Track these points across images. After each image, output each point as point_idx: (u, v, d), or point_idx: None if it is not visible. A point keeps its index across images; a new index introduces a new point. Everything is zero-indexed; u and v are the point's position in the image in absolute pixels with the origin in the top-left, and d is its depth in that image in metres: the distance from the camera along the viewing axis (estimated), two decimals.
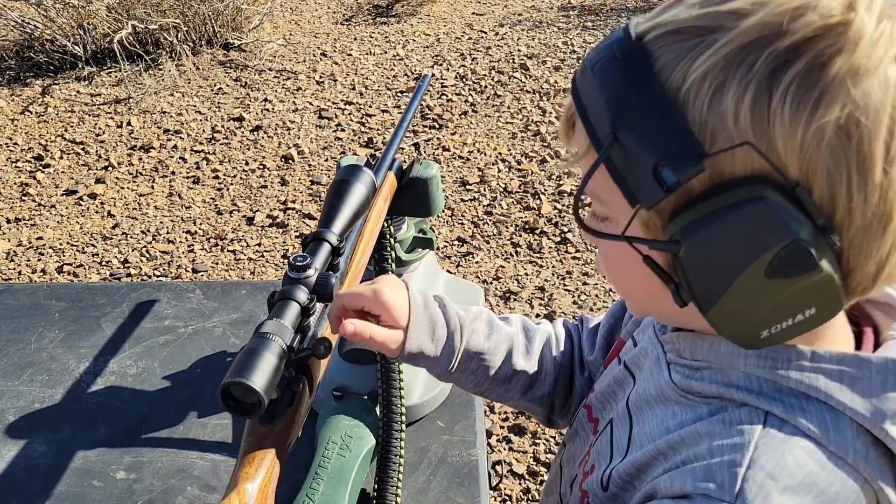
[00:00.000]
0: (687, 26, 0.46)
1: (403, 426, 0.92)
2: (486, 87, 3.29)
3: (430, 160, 1.03)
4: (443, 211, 2.56)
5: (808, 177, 0.44)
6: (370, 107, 3.19)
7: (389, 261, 0.99)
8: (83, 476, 0.97)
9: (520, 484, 1.71)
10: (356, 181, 0.84)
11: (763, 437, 0.48)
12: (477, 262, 2.38)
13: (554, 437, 1.84)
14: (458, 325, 0.74)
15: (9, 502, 0.95)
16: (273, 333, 0.67)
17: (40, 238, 2.53)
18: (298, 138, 3.00)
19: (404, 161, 1.00)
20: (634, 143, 0.47)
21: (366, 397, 0.99)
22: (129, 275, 2.39)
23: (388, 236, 0.98)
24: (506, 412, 1.90)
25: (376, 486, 0.89)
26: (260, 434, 0.70)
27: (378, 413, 0.94)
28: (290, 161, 2.87)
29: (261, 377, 0.63)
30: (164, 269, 2.41)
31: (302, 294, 0.72)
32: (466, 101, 3.20)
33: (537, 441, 1.83)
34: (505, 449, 1.81)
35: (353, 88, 3.31)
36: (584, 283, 2.24)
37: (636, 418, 0.59)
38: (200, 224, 2.59)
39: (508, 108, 3.15)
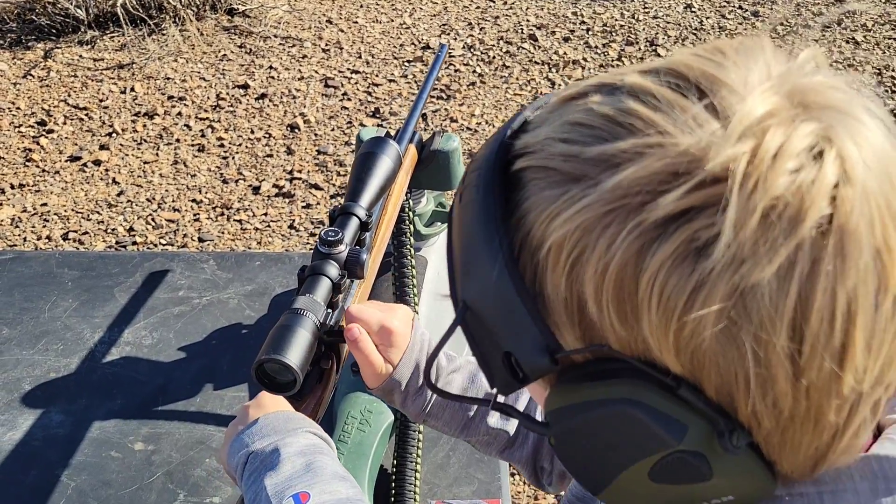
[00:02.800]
0: (552, 165, 0.38)
1: None
2: (494, 57, 3.25)
3: (451, 133, 1.01)
4: None
5: (696, 374, 0.36)
6: (377, 76, 3.15)
7: (408, 235, 0.98)
8: (101, 446, 0.97)
9: None
10: (382, 154, 0.83)
11: None
12: None
13: None
14: (447, 366, 0.71)
15: (27, 471, 0.95)
16: (306, 309, 0.66)
17: (45, 204, 2.52)
18: (304, 107, 2.97)
19: (423, 134, 0.99)
20: (485, 317, 0.39)
21: None
22: (134, 243, 2.38)
23: (407, 210, 0.97)
24: None
25: (395, 461, 0.89)
26: None
27: None
28: (296, 130, 2.84)
29: (296, 354, 0.63)
30: (169, 238, 2.40)
31: (333, 269, 0.71)
32: (474, 71, 3.17)
33: None
34: None
35: (360, 57, 3.27)
36: None
37: None
38: (206, 193, 2.57)
39: (517, 79, 3.11)
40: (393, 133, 0.93)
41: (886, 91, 2.93)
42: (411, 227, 0.96)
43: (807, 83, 0.36)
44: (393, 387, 0.69)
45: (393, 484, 0.88)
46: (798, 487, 0.40)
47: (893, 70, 3.05)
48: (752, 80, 0.35)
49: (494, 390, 0.42)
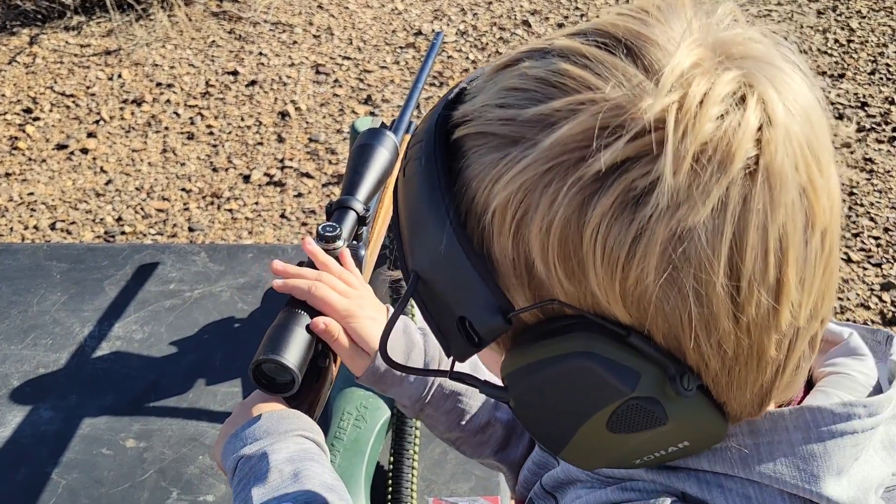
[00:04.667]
0: (490, 130, 0.38)
1: None
2: (487, 43, 3.22)
3: None
4: None
5: (644, 322, 0.37)
6: (368, 62, 3.12)
7: None
8: (92, 443, 0.95)
9: None
10: (379, 146, 0.81)
11: None
12: None
13: None
14: (438, 356, 0.68)
15: (17, 469, 0.93)
16: (303, 308, 0.65)
17: (31, 194, 2.48)
18: (295, 94, 2.93)
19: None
20: (437, 286, 0.40)
21: None
22: (123, 233, 2.35)
23: None
24: None
25: (392, 458, 0.88)
26: None
27: None
28: (287, 118, 2.81)
29: (294, 354, 0.61)
30: (159, 228, 2.37)
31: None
32: (467, 58, 3.14)
33: None
34: None
35: (351, 43, 3.24)
36: None
37: (559, 496, 0.53)
38: (196, 181, 2.54)
39: None
40: (388, 124, 0.91)
41: (882, 77, 2.93)
42: None
43: (727, 36, 0.37)
44: (376, 373, 0.66)
45: (390, 481, 0.87)
46: (736, 440, 0.42)
47: (888, 56, 3.04)
48: (675, 36, 0.37)
49: (451, 359, 0.43)
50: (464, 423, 0.69)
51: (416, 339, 0.68)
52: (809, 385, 0.46)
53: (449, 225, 0.39)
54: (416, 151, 0.41)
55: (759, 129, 0.35)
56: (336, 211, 0.73)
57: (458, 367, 0.45)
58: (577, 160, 0.35)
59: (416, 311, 0.91)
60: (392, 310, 0.69)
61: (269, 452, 0.59)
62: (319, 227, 0.69)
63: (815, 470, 0.41)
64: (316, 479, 0.58)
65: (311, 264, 0.69)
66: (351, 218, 0.73)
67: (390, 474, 0.88)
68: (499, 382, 0.44)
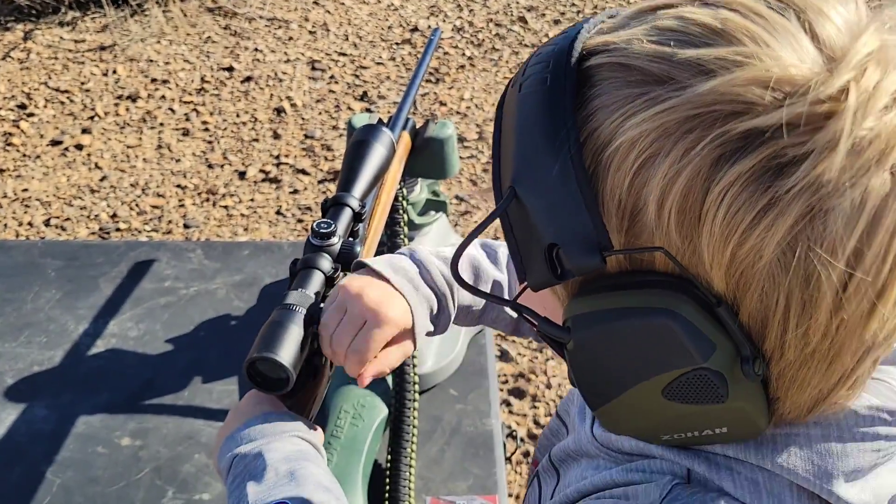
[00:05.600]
0: (636, 64, 0.37)
1: (416, 395, 0.90)
2: (483, 40, 3.21)
3: (445, 120, 0.99)
4: None
5: (738, 295, 0.36)
6: (364, 58, 3.10)
7: (402, 224, 0.96)
8: (87, 442, 0.95)
9: (519, 447, 1.71)
10: (375, 142, 0.81)
11: (680, 494, 0.40)
12: (475, 221, 2.34)
13: (554, 401, 1.84)
14: (446, 289, 0.67)
15: (11, 468, 0.92)
16: (298, 304, 0.64)
17: (26, 190, 2.47)
18: (291, 90, 2.92)
19: (419, 121, 0.96)
20: (533, 209, 0.39)
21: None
22: (118, 229, 2.34)
23: (401, 199, 0.94)
24: (505, 375, 1.89)
25: (390, 456, 0.88)
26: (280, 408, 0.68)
27: (390, 381, 0.92)
28: (283, 114, 2.80)
29: (288, 352, 0.61)
30: (154, 224, 2.36)
31: (326, 262, 0.69)
32: (463, 54, 3.13)
33: (537, 404, 1.83)
34: (504, 412, 1.81)
35: (347, 39, 3.23)
36: None
37: (562, 471, 0.53)
38: (191, 178, 2.52)
39: (507, 62, 3.08)
40: (385, 120, 0.91)
41: None
42: (405, 216, 0.94)
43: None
44: (422, 328, 0.65)
45: (387, 479, 0.87)
46: None
47: None
48: (849, 17, 0.36)
49: (521, 286, 0.41)
50: (479, 317, 0.70)
51: (426, 293, 0.66)
52: None
53: (567, 149, 0.37)
54: (540, 70, 0.39)
55: None
56: (331, 208, 0.73)
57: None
58: (729, 114, 0.34)
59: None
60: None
61: (265, 451, 0.58)
62: (314, 224, 0.69)
63: (830, 468, 0.40)
64: (312, 479, 0.57)
65: (304, 263, 0.68)
66: (346, 215, 0.73)
67: (388, 473, 0.88)
68: None
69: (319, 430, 0.66)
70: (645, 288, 0.38)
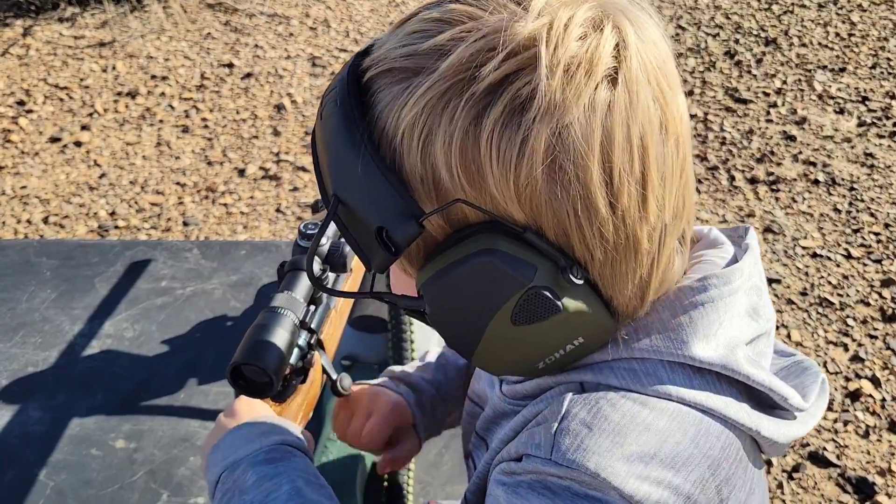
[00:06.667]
0: (395, 66, 0.44)
1: None
2: None
3: None
4: None
5: (537, 219, 0.43)
6: None
7: None
8: (81, 444, 0.93)
9: None
10: None
11: (578, 398, 0.47)
12: None
13: None
14: (433, 400, 0.76)
15: (4, 470, 0.91)
16: (284, 308, 0.63)
17: (24, 187, 2.46)
18: (291, 87, 2.91)
19: None
20: (355, 205, 0.45)
21: (376, 367, 0.95)
22: (117, 227, 2.33)
23: None
24: None
25: None
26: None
27: None
28: (283, 111, 2.78)
29: (272, 356, 0.60)
30: (153, 222, 2.35)
31: (314, 265, 0.67)
32: None
33: None
34: None
35: (348, 35, 3.21)
36: None
37: (489, 438, 0.58)
38: (190, 175, 2.51)
39: None
40: None
41: (882, 72, 2.91)
42: None
43: None
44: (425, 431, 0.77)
45: (385, 483, 0.86)
46: (619, 332, 0.48)
47: (889, 50, 3.02)
48: None
49: (371, 273, 0.48)
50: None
51: (429, 409, 0.76)
52: None
53: (364, 147, 0.43)
54: (332, 96, 0.46)
55: (616, 47, 0.42)
56: (322, 208, 0.72)
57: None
58: (470, 78, 0.41)
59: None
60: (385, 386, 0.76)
61: (251, 463, 0.57)
62: (301, 226, 0.68)
63: (684, 337, 0.47)
64: (299, 482, 0.56)
65: (291, 265, 0.67)
66: None
67: (386, 477, 0.86)
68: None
69: (308, 434, 0.64)
70: (466, 239, 0.44)
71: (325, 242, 0.69)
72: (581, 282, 0.43)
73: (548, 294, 0.43)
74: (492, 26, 0.42)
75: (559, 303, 0.43)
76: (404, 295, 0.48)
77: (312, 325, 0.66)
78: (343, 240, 0.71)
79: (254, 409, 0.63)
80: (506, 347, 0.46)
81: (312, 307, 0.68)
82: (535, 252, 0.43)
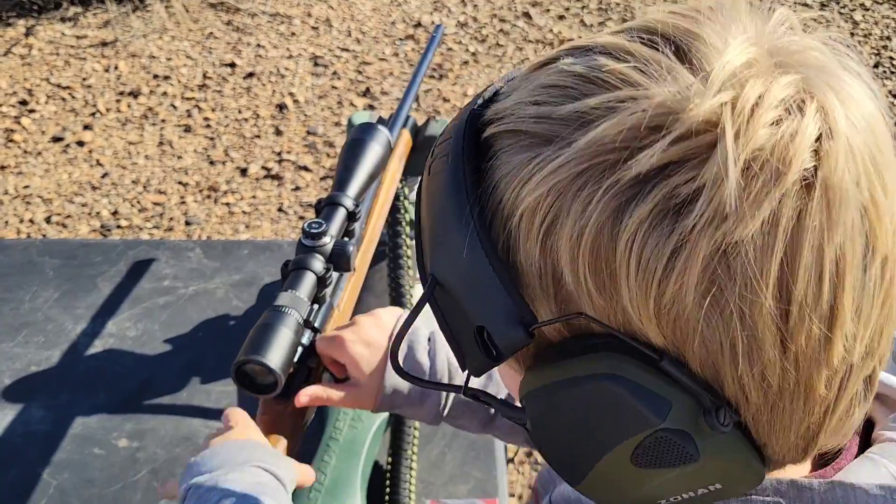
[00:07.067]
0: (523, 128, 0.36)
1: None
2: (487, 35, 3.19)
3: (446, 119, 0.98)
4: None
5: (679, 346, 0.34)
6: (367, 55, 3.09)
7: (403, 224, 0.95)
8: (84, 443, 0.94)
9: (521, 447, 1.70)
10: (371, 141, 0.79)
11: None
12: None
13: None
14: (447, 370, 0.67)
15: (7, 469, 0.91)
16: (288, 306, 0.63)
17: (27, 187, 2.46)
18: (293, 86, 2.91)
19: (422, 118, 0.95)
20: (455, 293, 0.37)
21: None
22: (119, 226, 2.33)
23: (401, 198, 0.93)
24: None
25: (390, 459, 0.87)
26: (275, 412, 0.67)
27: None
28: (285, 110, 2.79)
29: (277, 355, 0.60)
30: (156, 221, 2.35)
31: (318, 263, 0.68)
32: (467, 50, 3.11)
33: None
34: None
35: (350, 35, 3.21)
36: None
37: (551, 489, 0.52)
38: (192, 175, 2.52)
39: (511, 58, 3.06)
40: (386, 118, 0.89)
41: (885, 71, 2.90)
42: (406, 215, 0.93)
43: (785, 42, 0.35)
44: (393, 400, 0.66)
45: (387, 482, 0.86)
46: (756, 497, 0.38)
47: (892, 49, 3.02)
48: (728, 36, 0.34)
49: (465, 373, 0.39)
50: (490, 425, 0.69)
51: (420, 364, 0.67)
52: (867, 439, 0.43)
53: (472, 227, 0.36)
54: (444, 149, 0.39)
55: (819, 138, 0.32)
56: (325, 207, 0.72)
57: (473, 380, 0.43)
58: (615, 162, 0.32)
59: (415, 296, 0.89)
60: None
61: (220, 483, 0.56)
62: (305, 225, 0.68)
63: None
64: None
65: (295, 264, 0.67)
66: (340, 214, 0.72)
67: (388, 476, 0.86)
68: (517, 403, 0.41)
69: (291, 462, 0.64)
70: (587, 353, 0.35)
71: (329, 241, 0.69)
72: (728, 428, 0.34)
73: (682, 439, 0.34)
74: (653, 99, 0.32)
75: (696, 450, 0.34)
76: (504, 401, 0.40)
77: (316, 324, 0.66)
78: (347, 238, 0.71)
79: (245, 430, 0.62)
80: (620, 484, 0.37)
81: (316, 306, 0.68)
82: (671, 384, 0.34)
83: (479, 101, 0.39)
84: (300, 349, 0.65)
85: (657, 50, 0.34)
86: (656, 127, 0.32)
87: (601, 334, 0.35)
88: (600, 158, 0.33)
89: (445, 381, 0.66)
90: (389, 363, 0.64)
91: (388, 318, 0.68)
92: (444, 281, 0.37)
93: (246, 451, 0.60)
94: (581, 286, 0.34)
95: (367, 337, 0.66)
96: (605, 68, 0.34)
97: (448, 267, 0.37)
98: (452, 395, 0.66)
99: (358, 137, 0.79)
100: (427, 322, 0.67)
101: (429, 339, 0.68)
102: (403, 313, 0.68)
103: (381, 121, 0.87)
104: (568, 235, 0.33)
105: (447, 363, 0.67)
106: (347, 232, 0.75)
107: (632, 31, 0.36)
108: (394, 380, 0.65)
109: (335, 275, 0.71)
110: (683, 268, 0.32)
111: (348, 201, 0.74)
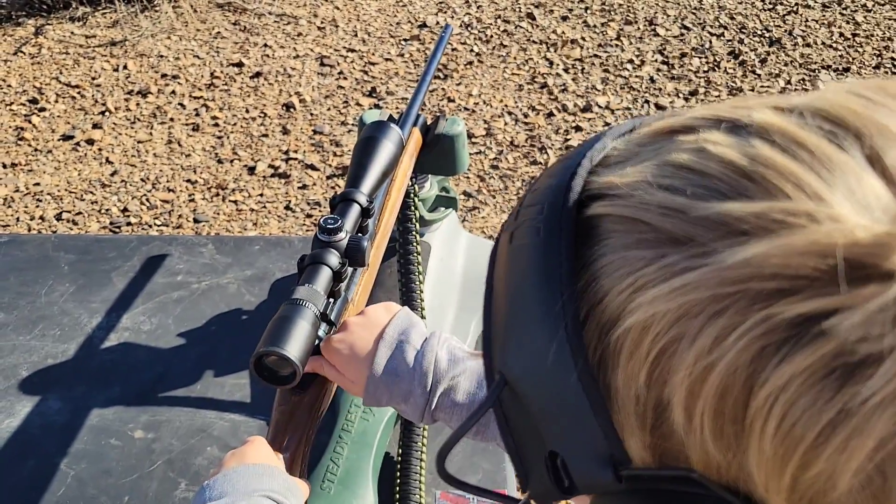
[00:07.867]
0: (645, 218, 0.28)
1: None
2: (491, 36, 3.21)
3: (455, 116, 0.99)
4: None
5: None
6: (373, 55, 3.11)
7: (413, 220, 0.96)
8: (100, 434, 0.96)
9: None
10: (384, 138, 0.81)
11: None
12: (483, 217, 2.35)
13: None
14: (430, 376, 0.62)
15: (25, 460, 0.93)
16: (306, 300, 0.65)
17: (38, 184, 2.48)
18: (300, 86, 2.93)
19: (428, 117, 0.97)
20: (528, 403, 0.31)
21: None
22: (129, 224, 2.35)
23: (412, 195, 0.95)
24: None
25: (400, 450, 0.88)
26: (291, 403, 0.69)
27: None
28: (292, 109, 2.81)
29: (296, 346, 0.61)
30: (164, 219, 2.37)
31: (333, 258, 0.69)
32: (472, 50, 3.13)
33: None
34: None
35: (356, 35, 3.23)
36: None
37: None
38: (201, 173, 2.54)
39: (514, 58, 3.08)
40: (396, 117, 0.91)
41: (887, 72, 2.91)
42: (416, 212, 0.95)
43: None
44: (378, 400, 0.64)
45: (398, 473, 0.88)
46: None
47: (894, 51, 3.03)
48: None
49: (525, 494, 0.33)
50: (481, 434, 0.66)
51: (401, 369, 0.64)
52: None
53: (563, 330, 0.29)
54: (535, 217, 0.31)
55: None
56: (340, 203, 0.74)
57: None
58: (772, 293, 0.24)
59: (425, 293, 0.91)
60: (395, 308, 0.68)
61: None
62: (321, 220, 0.69)
63: None
64: None
65: (311, 259, 0.69)
66: (354, 210, 0.73)
67: (398, 467, 0.88)
68: None
69: (304, 485, 0.64)
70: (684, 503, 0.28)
71: (344, 236, 0.71)
72: None
73: None
74: (842, 227, 0.24)
75: None
76: None
77: (332, 318, 0.68)
78: (361, 234, 0.73)
79: (258, 454, 0.62)
80: None
81: (331, 300, 0.70)
82: None
83: (580, 161, 0.31)
84: (317, 342, 0.67)
85: (841, 149, 0.26)
86: (843, 259, 0.24)
87: (701, 485, 0.27)
88: (753, 284, 0.25)
89: (428, 386, 0.63)
90: (373, 368, 0.64)
91: (380, 315, 0.67)
92: (514, 384, 0.31)
93: (256, 480, 0.59)
94: (694, 431, 0.27)
95: (352, 340, 0.66)
96: (771, 163, 0.26)
97: (524, 370, 0.30)
98: (436, 398, 0.64)
99: (371, 135, 0.81)
100: (434, 321, 0.67)
101: (425, 340, 0.64)
102: (400, 309, 0.68)
103: (391, 119, 0.89)
104: (688, 369, 0.26)
105: (433, 367, 0.62)
106: (361, 228, 0.76)
107: (803, 114, 0.27)
108: (376, 383, 0.64)
109: (350, 269, 0.73)
110: (843, 446, 0.24)
111: (362, 198, 0.75)
